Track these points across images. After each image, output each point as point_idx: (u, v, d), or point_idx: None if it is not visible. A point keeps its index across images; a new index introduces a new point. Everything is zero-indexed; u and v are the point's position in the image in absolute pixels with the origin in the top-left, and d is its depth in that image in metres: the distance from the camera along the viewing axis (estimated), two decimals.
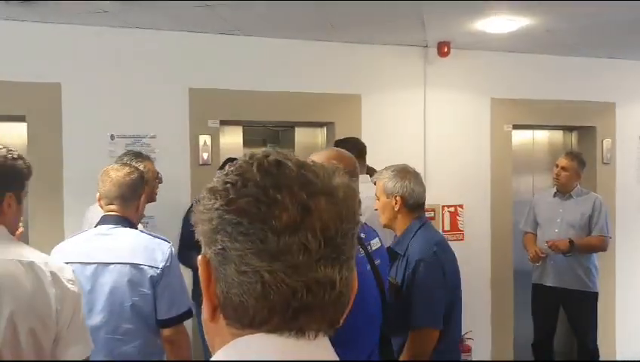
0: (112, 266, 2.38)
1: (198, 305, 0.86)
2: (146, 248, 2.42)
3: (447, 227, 4.70)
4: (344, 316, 0.83)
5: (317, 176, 0.80)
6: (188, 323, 2.56)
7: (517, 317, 4.92)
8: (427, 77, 4.59)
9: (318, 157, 2.09)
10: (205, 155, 4.03)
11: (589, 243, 4.36)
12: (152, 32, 3.92)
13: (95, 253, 2.41)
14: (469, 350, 4.59)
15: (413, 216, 2.74)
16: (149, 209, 3.47)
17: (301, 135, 4.76)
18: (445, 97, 4.66)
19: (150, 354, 2.43)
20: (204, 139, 4.03)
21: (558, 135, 5.47)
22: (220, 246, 0.78)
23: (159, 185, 3.46)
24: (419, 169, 4.45)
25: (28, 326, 1.65)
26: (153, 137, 3.94)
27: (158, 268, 2.39)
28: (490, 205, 4.82)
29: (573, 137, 5.41)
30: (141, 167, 3.22)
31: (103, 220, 2.49)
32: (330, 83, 4.36)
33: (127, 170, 2.53)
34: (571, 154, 4.56)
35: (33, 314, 1.66)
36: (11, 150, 1.78)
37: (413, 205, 2.72)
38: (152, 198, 3.38)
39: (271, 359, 0.76)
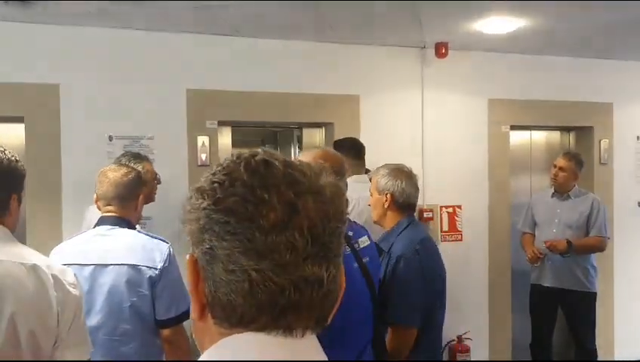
0: (111, 267, 2.38)
1: None
2: (144, 249, 2.42)
3: (445, 228, 4.71)
4: (332, 314, 0.84)
5: (304, 175, 0.80)
6: (187, 324, 2.56)
7: (515, 317, 4.93)
8: (425, 78, 4.60)
9: (305, 157, 2.11)
10: (203, 156, 4.03)
11: (587, 244, 4.37)
12: (150, 34, 3.92)
13: (93, 254, 2.40)
14: (467, 350, 4.60)
15: (402, 214, 2.79)
16: (148, 210, 3.48)
17: (306, 135, 4.77)
18: (443, 98, 4.67)
19: (149, 355, 2.43)
20: (203, 140, 4.04)
21: (555, 135, 5.48)
22: (207, 246, 0.79)
23: (158, 186, 3.46)
24: (417, 169, 4.47)
25: (28, 327, 1.65)
26: (151, 138, 3.94)
27: (156, 268, 2.39)
28: (488, 205, 4.83)
29: (571, 138, 5.42)
30: (140, 168, 3.23)
31: (102, 221, 2.49)
32: (329, 84, 4.36)
33: (124, 170, 2.53)
34: (569, 155, 4.57)
35: (34, 316, 1.67)
36: (11, 152, 1.80)
37: (402, 204, 2.78)
38: (150, 199, 3.39)
39: (259, 358, 0.76)
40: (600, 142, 5.18)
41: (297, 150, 4.75)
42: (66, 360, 1.73)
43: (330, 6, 3.49)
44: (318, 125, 4.62)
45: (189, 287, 0.84)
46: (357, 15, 3.73)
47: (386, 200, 2.77)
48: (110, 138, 3.86)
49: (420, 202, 4.52)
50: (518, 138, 5.22)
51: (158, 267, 2.39)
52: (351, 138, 4.07)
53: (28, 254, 1.77)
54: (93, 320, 2.33)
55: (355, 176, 3.73)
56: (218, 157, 4.06)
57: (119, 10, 3.44)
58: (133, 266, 2.38)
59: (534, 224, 4.59)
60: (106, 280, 2.37)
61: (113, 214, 2.49)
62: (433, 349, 2.85)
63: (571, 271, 4.38)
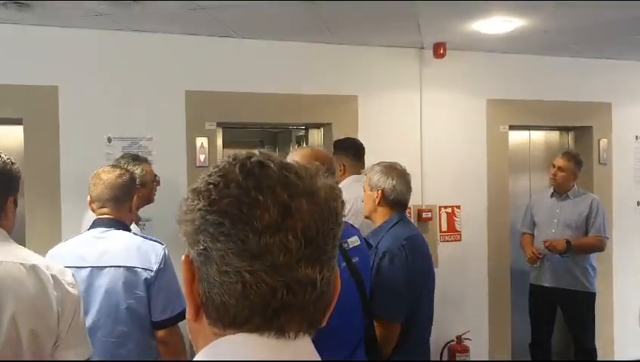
0: (107, 269, 2.39)
1: None
2: (139, 250, 2.43)
3: (444, 228, 4.71)
4: (327, 316, 0.84)
5: (299, 177, 0.80)
6: (182, 324, 2.56)
7: (514, 317, 4.93)
8: (423, 78, 4.60)
9: (294, 157, 2.12)
10: (202, 157, 4.03)
11: (587, 244, 4.37)
12: (148, 35, 3.92)
13: (89, 257, 2.41)
14: (466, 350, 4.60)
15: (392, 211, 2.85)
16: (147, 211, 3.49)
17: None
18: (441, 98, 4.67)
19: (145, 356, 2.44)
20: (201, 141, 4.04)
21: (554, 135, 5.48)
22: (202, 247, 0.79)
23: (157, 187, 3.46)
24: (416, 170, 4.52)
25: (29, 327, 1.67)
26: (150, 139, 3.94)
27: (152, 270, 2.40)
28: (487, 206, 4.83)
29: (570, 137, 5.42)
30: (139, 170, 3.24)
31: (96, 223, 2.50)
32: (327, 84, 4.37)
33: (118, 172, 2.53)
34: (568, 155, 4.57)
35: (35, 316, 1.68)
36: (6, 155, 1.81)
37: (393, 201, 2.83)
38: (149, 200, 3.39)
39: (251, 359, 0.77)
40: (599, 141, 5.18)
41: None
42: (67, 361, 1.75)
43: (328, 7, 3.49)
44: (316, 126, 4.62)
45: (184, 288, 0.84)
46: (355, 16, 3.73)
47: (377, 197, 2.82)
48: (109, 139, 3.86)
49: (418, 202, 4.57)
50: (516, 138, 5.22)
51: (154, 268, 2.40)
52: (350, 138, 4.08)
53: (26, 255, 1.78)
54: (91, 322, 2.33)
55: (353, 176, 3.74)
56: (216, 159, 4.07)
57: (117, 12, 3.44)
58: (130, 268, 2.39)
59: (533, 224, 4.60)
60: (103, 282, 2.38)
61: (108, 216, 2.49)
62: (421, 345, 2.88)
63: (571, 271, 4.38)
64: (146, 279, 2.39)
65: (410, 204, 4.48)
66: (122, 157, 3.40)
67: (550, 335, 4.59)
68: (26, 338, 1.66)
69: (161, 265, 2.42)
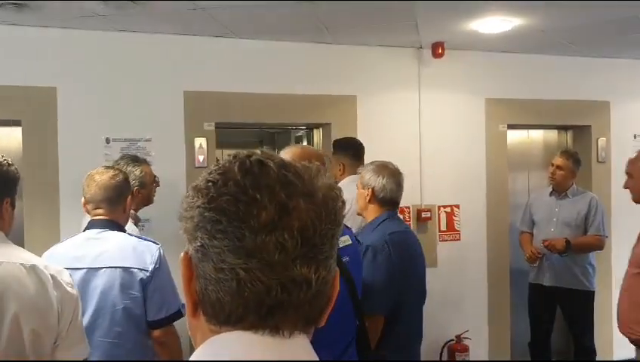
0: (102, 270, 2.39)
1: None
2: (135, 251, 2.44)
3: (443, 227, 4.72)
4: (325, 315, 0.84)
5: (298, 176, 0.81)
6: (182, 325, 2.56)
7: (514, 316, 4.93)
8: (422, 78, 4.60)
9: (285, 155, 2.12)
10: (201, 158, 4.03)
11: (586, 243, 4.38)
12: (146, 36, 3.92)
13: (85, 258, 2.42)
14: (466, 349, 4.60)
15: (382, 209, 2.94)
16: (146, 212, 3.49)
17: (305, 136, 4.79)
18: (440, 98, 4.68)
19: (141, 356, 2.45)
20: (200, 141, 4.04)
21: (553, 134, 5.48)
22: (199, 244, 0.80)
23: (156, 188, 3.46)
24: (414, 170, 4.52)
25: (31, 327, 1.69)
26: (149, 140, 3.93)
27: (147, 270, 2.41)
28: (486, 205, 4.83)
29: (568, 136, 5.43)
30: (138, 171, 3.24)
31: (91, 225, 2.50)
32: (326, 84, 4.36)
33: (111, 173, 2.54)
34: (566, 153, 4.58)
35: (36, 316, 1.70)
36: (4, 156, 1.81)
37: (383, 199, 2.91)
38: (149, 201, 3.39)
39: (246, 357, 0.77)
40: (597, 140, 5.18)
41: None
42: (67, 361, 1.77)
43: (326, 8, 3.49)
44: (315, 126, 4.62)
45: (183, 284, 0.84)
46: (353, 16, 3.73)
47: (368, 195, 2.92)
48: (107, 140, 3.86)
49: (417, 202, 4.58)
50: (515, 137, 5.23)
51: (149, 269, 2.41)
52: (350, 138, 4.08)
53: (25, 255, 1.80)
54: (87, 322, 2.33)
55: (352, 175, 3.74)
56: (215, 159, 4.07)
57: (116, 13, 3.44)
58: (125, 269, 2.40)
59: (532, 223, 4.60)
60: (99, 283, 2.39)
61: (102, 217, 2.50)
62: (406, 339, 2.90)
63: (570, 269, 4.39)
64: (141, 279, 2.40)
65: (409, 203, 4.54)
66: (121, 158, 3.39)
67: (549, 335, 4.59)
68: (27, 337, 1.68)
69: (157, 265, 2.43)
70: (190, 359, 0.81)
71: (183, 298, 0.86)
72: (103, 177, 2.49)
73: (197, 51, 4.05)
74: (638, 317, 2.97)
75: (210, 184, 0.80)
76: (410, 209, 4.58)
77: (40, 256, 2.21)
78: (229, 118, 4.21)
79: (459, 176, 4.73)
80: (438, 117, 4.67)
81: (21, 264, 1.73)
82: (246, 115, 4.22)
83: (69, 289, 1.80)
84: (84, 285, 2.36)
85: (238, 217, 0.77)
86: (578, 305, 4.42)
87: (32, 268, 1.73)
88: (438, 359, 4.61)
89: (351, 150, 3.92)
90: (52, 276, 1.76)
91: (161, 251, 2.48)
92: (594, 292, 4.44)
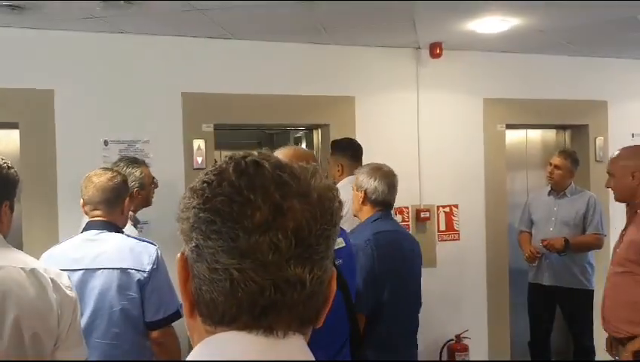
0: (100, 271, 2.40)
1: None
2: (132, 252, 2.44)
3: (442, 227, 4.72)
4: (321, 315, 0.84)
5: (294, 177, 0.80)
6: (181, 325, 2.56)
7: (513, 315, 4.93)
8: (420, 78, 4.60)
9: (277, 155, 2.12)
10: (200, 159, 4.03)
11: (584, 242, 4.38)
12: (144, 37, 3.92)
13: (82, 259, 2.42)
14: (465, 349, 4.60)
15: (374, 209, 2.99)
16: (145, 213, 3.49)
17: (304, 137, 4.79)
18: (438, 98, 4.68)
19: (139, 357, 2.46)
20: (199, 143, 4.03)
21: (551, 134, 5.49)
22: (194, 244, 0.80)
23: (155, 189, 3.46)
24: (413, 170, 4.53)
25: (32, 330, 1.70)
26: (147, 142, 3.93)
27: (144, 271, 2.42)
28: (485, 205, 4.83)
29: (566, 136, 5.43)
30: (138, 172, 3.25)
31: (89, 226, 2.52)
32: (324, 85, 4.36)
33: (109, 174, 2.55)
34: (565, 153, 4.58)
35: (37, 319, 1.71)
36: (3, 158, 1.81)
37: (374, 201, 2.97)
38: (147, 203, 3.39)
39: (241, 358, 0.77)
40: (595, 139, 5.19)
41: None
42: (67, 361, 1.78)
43: (324, 8, 3.49)
44: (314, 127, 4.62)
45: (179, 285, 0.85)
46: (351, 16, 3.73)
47: (361, 196, 3.00)
48: (106, 143, 3.86)
49: (416, 202, 4.58)
50: (513, 137, 5.23)
51: (147, 270, 2.42)
52: (348, 139, 4.08)
53: (25, 259, 1.81)
54: (85, 324, 2.34)
55: (350, 176, 3.74)
56: (214, 160, 4.07)
57: (113, 15, 3.44)
58: (123, 270, 2.40)
59: (531, 222, 4.60)
60: (96, 284, 2.40)
61: (100, 219, 2.51)
62: (390, 338, 2.91)
63: (569, 269, 4.39)
64: (138, 280, 2.40)
65: (408, 204, 4.55)
66: (121, 160, 3.40)
67: (549, 334, 4.60)
68: (28, 340, 1.69)
69: (154, 266, 2.43)
70: (187, 359, 0.81)
71: (180, 298, 0.86)
72: (100, 179, 2.50)
73: (195, 53, 4.05)
74: (623, 315, 2.98)
75: (205, 185, 0.80)
76: (409, 209, 4.58)
77: (38, 257, 2.22)
78: (228, 120, 4.21)
79: (457, 176, 4.73)
80: (437, 117, 4.67)
81: (21, 268, 1.73)
82: (244, 116, 4.22)
83: (68, 292, 1.81)
84: (81, 286, 2.36)
85: (232, 218, 0.77)
86: (577, 304, 4.43)
87: (32, 272, 1.74)
88: (437, 359, 4.61)
89: (349, 151, 3.92)
90: (52, 279, 1.77)
91: (159, 252, 2.49)
92: (593, 291, 4.44)
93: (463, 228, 4.76)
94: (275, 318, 0.78)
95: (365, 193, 2.97)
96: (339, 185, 3.71)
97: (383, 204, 2.98)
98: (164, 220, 3.61)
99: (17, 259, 1.77)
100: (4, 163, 1.79)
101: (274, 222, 0.76)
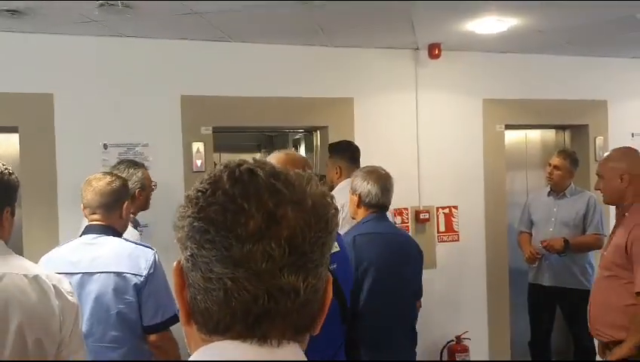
0: (97, 275, 2.41)
1: None
2: (129, 256, 2.45)
3: (442, 228, 4.72)
4: (317, 323, 0.84)
5: (288, 185, 0.80)
6: (180, 330, 2.56)
7: (513, 316, 4.93)
8: (419, 79, 4.60)
9: (270, 160, 2.13)
10: (199, 162, 4.03)
11: (584, 242, 4.38)
12: (143, 41, 3.92)
13: (80, 263, 2.44)
14: (466, 350, 4.60)
15: (368, 211, 3.05)
16: (143, 217, 3.49)
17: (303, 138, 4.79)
18: (437, 99, 4.68)
19: (137, 360, 2.46)
20: (198, 146, 4.03)
21: (550, 134, 5.49)
22: (189, 253, 0.80)
23: (153, 193, 3.47)
24: (412, 171, 4.53)
25: (35, 336, 1.71)
26: (146, 145, 3.93)
27: (141, 275, 2.43)
28: (485, 205, 4.83)
29: (566, 136, 5.43)
30: (139, 174, 3.27)
31: (87, 230, 2.53)
32: (323, 87, 4.37)
33: (108, 178, 2.55)
34: (564, 153, 4.58)
35: (40, 325, 1.72)
36: (4, 164, 1.81)
37: (368, 204, 3.03)
38: (146, 206, 3.40)
39: None
40: (595, 139, 5.19)
41: None
42: (67, 361, 1.79)
43: (322, 10, 3.49)
44: (313, 129, 4.63)
45: (175, 294, 0.85)
46: (349, 18, 3.73)
47: (356, 200, 3.06)
48: (105, 146, 3.86)
49: (416, 203, 4.58)
50: (513, 137, 5.24)
51: (144, 274, 2.43)
52: (346, 141, 4.07)
53: (27, 265, 1.82)
54: (82, 327, 2.34)
55: (348, 179, 3.74)
56: (213, 163, 4.07)
57: (111, 18, 3.44)
58: (119, 274, 2.42)
59: (531, 223, 4.60)
60: (93, 288, 2.41)
61: (99, 223, 2.52)
62: (364, 335, 2.89)
63: (569, 269, 4.39)
64: (135, 284, 2.41)
65: (408, 205, 4.55)
66: (121, 163, 3.41)
67: (549, 334, 4.59)
68: (31, 346, 1.70)
69: (151, 270, 2.44)
70: None
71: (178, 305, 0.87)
72: (99, 183, 2.51)
73: (193, 56, 4.05)
74: (605, 319, 2.96)
75: (199, 194, 0.80)
76: (409, 210, 4.59)
77: (38, 261, 2.23)
78: (227, 122, 4.22)
79: (457, 176, 4.73)
80: (436, 118, 4.67)
81: (24, 274, 1.74)
82: (243, 119, 4.23)
83: (70, 298, 1.82)
84: (79, 289, 2.37)
85: (226, 227, 0.76)
86: (577, 305, 4.41)
87: (35, 278, 1.75)
88: (438, 359, 4.61)
89: (347, 153, 3.92)
90: (54, 286, 1.78)
91: (157, 256, 2.50)
92: None
93: (462, 229, 4.76)
94: (269, 327, 0.78)
95: (359, 196, 3.03)
96: (337, 188, 3.71)
97: (377, 206, 3.04)
98: (163, 223, 3.61)
99: (19, 266, 1.77)
100: (5, 169, 1.80)
101: (267, 230, 0.76)
